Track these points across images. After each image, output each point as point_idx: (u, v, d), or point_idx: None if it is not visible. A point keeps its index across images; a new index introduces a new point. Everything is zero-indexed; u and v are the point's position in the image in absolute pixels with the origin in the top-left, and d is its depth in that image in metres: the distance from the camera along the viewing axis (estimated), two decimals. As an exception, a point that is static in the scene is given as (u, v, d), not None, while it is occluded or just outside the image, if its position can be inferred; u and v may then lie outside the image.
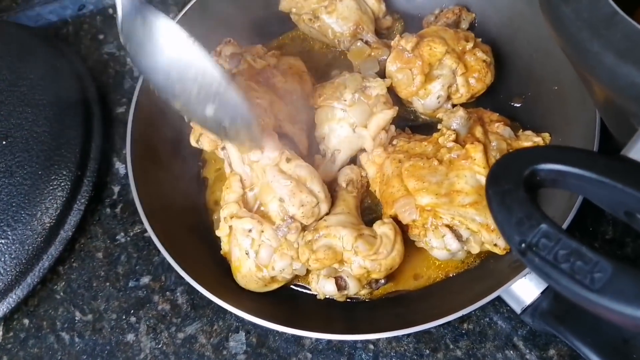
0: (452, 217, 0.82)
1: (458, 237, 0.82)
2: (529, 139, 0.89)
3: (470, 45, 0.96)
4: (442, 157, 0.86)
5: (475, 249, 0.83)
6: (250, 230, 0.83)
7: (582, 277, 0.48)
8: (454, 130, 0.89)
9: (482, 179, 0.83)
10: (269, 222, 0.84)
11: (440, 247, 0.83)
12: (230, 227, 0.85)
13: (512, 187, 0.54)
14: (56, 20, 1.27)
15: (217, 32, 1.02)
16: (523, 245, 0.52)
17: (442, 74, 0.95)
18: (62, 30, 1.25)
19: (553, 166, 0.55)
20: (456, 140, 0.87)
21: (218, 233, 0.87)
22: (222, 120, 0.73)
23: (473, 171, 0.84)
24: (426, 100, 0.97)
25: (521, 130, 0.92)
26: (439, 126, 0.92)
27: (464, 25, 1.05)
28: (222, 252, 0.89)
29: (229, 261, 0.88)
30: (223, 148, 0.91)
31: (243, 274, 0.85)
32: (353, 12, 1.03)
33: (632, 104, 0.58)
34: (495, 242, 0.81)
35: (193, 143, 0.94)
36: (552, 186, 0.56)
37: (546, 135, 0.90)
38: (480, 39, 0.99)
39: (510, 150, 0.87)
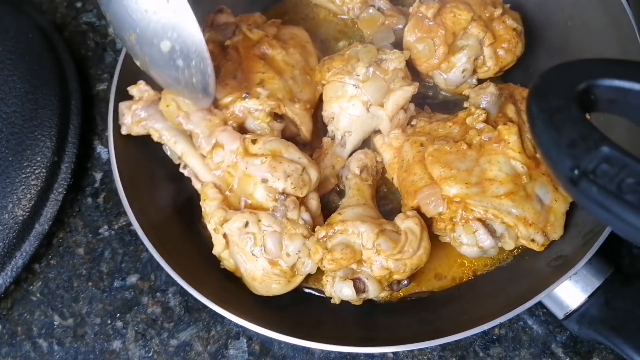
0: (485, 209, 0.76)
1: (491, 232, 0.77)
2: None
3: (499, 11, 0.89)
4: (472, 140, 0.80)
5: (509, 245, 0.78)
6: (246, 225, 0.77)
7: None
8: (484, 109, 0.82)
9: (518, 165, 0.77)
10: (262, 210, 0.79)
11: (472, 243, 0.78)
12: (225, 235, 0.79)
13: (562, 104, 0.47)
14: None
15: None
16: (576, 171, 0.44)
17: (467, 45, 0.89)
18: None
19: (615, 82, 0.47)
20: (486, 121, 0.81)
21: (215, 252, 0.81)
22: (176, 59, 0.73)
23: (507, 156, 0.78)
24: (449, 74, 0.90)
25: None
26: (466, 104, 0.85)
27: None
28: (227, 268, 0.83)
29: (239, 277, 0.82)
30: (185, 167, 0.86)
31: (260, 279, 0.79)
32: None
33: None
34: (532, 237, 0.76)
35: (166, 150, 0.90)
36: (610, 110, 0.49)
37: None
38: (508, 5, 0.92)
39: None
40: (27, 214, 0.92)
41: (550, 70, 0.50)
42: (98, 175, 1.00)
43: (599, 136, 0.44)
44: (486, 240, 0.76)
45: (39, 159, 0.94)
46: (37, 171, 0.94)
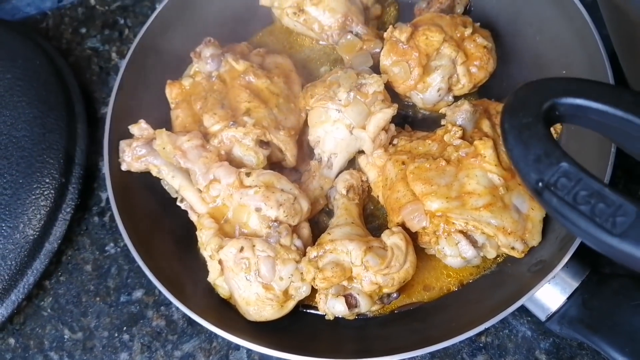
0: (465, 222, 0.78)
1: (473, 243, 0.79)
2: None
3: (469, 30, 0.92)
4: (450, 156, 0.83)
5: (491, 254, 0.80)
6: (242, 250, 0.79)
7: (603, 220, 0.47)
8: (460, 126, 0.85)
9: (495, 178, 0.80)
10: (256, 237, 0.81)
11: (455, 254, 0.80)
12: (220, 262, 0.81)
13: (531, 121, 0.52)
14: (35, 13, 1.22)
15: (197, 29, 1.01)
16: (540, 184, 0.50)
17: (441, 65, 0.91)
18: (41, 23, 1.21)
19: (576, 100, 0.53)
20: (463, 137, 0.83)
21: (210, 279, 0.84)
22: None
23: (484, 170, 0.80)
24: (426, 94, 0.92)
25: None
26: (443, 122, 0.88)
27: (459, 9, 1.01)
28: (221, 295, 0.86)
29: (234, 304, 0.84)
30: (182, 200, 0.89)
31: (254, 304, 0.81)
32: (340, 2, 0.98)
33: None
34: (512, 245, 0.78)
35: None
36: (571, 122, 0.55)
37: (557, 126, 0.86)
38: (478, 24, 0.95)
39: None
40: (38, 233, 0.94)
41: (519, 89, 0.55)
42: (104, 195, 1.02)
43: (560, 153, 0.49)
44: (468, 251, 0.78)
45: (47, 180, 0.96)
46: (46, 192, 0.95)
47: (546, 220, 0.80)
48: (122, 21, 1.18)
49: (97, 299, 0.95)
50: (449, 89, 0.93)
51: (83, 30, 1.19)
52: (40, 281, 0.95)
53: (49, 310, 0.95)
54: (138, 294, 0.94)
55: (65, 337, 0.93)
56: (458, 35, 0.91)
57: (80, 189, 1.00)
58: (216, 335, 0.88)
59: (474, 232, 0.78)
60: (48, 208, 0.96)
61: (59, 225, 0.97)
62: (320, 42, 1.03)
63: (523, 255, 0.79)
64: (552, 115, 0.53)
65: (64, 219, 0.97)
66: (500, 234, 0.78)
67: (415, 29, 0.91)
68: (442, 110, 0.90)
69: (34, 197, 0.95)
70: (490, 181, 0.80)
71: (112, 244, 0.98)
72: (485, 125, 0.85)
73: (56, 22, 1.20)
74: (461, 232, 0.79)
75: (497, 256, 0.82)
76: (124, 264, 0.96)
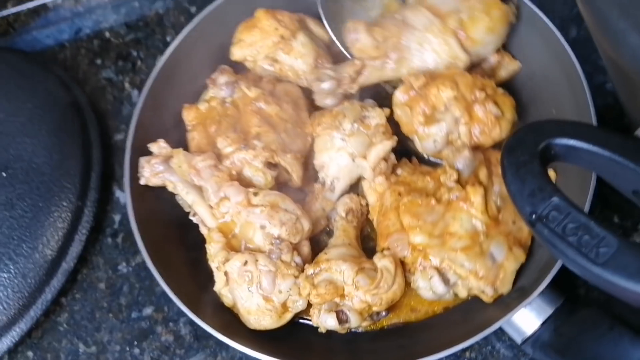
0: (441, 260, 0.82)
1: (445, 281, 0.82)
2: None
3: (482, 95, 0.90)
4: (442, 196, 0.86)
5: (462, 293, 0.84)
6: (245, 263, 0.84)
7: (588, 250, 0.51)
8: (457, 170, 0.88)
9: (478, 224, 0.83)
10: (259, 252, 0.86)
11: (427, 288, 0.83)
12: (226, 273, 0.86)
13: (527, 159, 0.57)
14: (53, 45, 1.27)
15: (214, 58, 1.06)
16: (534, 216, 0.54)
17: (444, 120, 0.91)
18: (59, 54, 1.25)
19: (568, 141, 0.58)
20: (458, 181, 0.87)
21: (216, 288, 0.88)
22: None
23: (470, 215, 0.83)
24: (423, 142, 0.94)
25: None
26: (444, 162, 0.91)
27: (504, 73, 1.00)
28: (225, 304, 0.90)
29: (237, 313, 0.88)
30: (194, 214, 0.93)
31: (254, 313, 0.85)
32: (309, 47, 1.02)
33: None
34: (482, 289, 0.81)
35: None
36: (565, 160, 0.60)
37: (551, 172, 0.88)
38: (501, 90, 0.95)
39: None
40: (55, 253, 0.97)
41: (518, 130, 0.62)
42: (117, 217, 1.06)
43: (552, 188, 0.55)
44: (439, 287, 0.82)
45: (64, 204, 1.00)
46: (63, 215, 0.99)
47: (529, 256, 0.85)
48: (134, 53, 1.23)
49: (110, 315, 0.98)
50: (449, 143, 0.93)
51: (98, 62, 1.23)
52: (57, 298, 0.97)
53: (65, 326, 0.98)
54: (148, 310, 0.97)
55: (80, 350, 0.95)
56: (472, 97, 0.90)
57: (95, 212, 1.03)
58: (220, 350, 0.92)
59: (448, 270, 0.82)
60: (65, 230, 0.98)
61: (75, 246, 0.99)
62: (299, 84, 1.05)
63: (492, 300, 0.82)
64: (547, 154, 0.58)
65: (79, 240, 1.00)
66: (472, 277, 0.81)
67: (431, 80, 0.92)
68: (445, 152, 0.93)
69: (52, 219, 0.98)
70: (474, 226, 0.83)
71: (124, 264, 1.01)
72: (482, 174, 0.88)
73: (73, 54, 1.24)
74: (436, 268, 0.82)
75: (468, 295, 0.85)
76: (135, 283, 1.00)
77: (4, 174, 1.01)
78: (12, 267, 0.95)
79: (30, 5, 1.28)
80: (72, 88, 1.16)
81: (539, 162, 0.57)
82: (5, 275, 0.94)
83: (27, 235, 0.97)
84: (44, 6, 1.29)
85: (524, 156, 0.58)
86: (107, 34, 1.26)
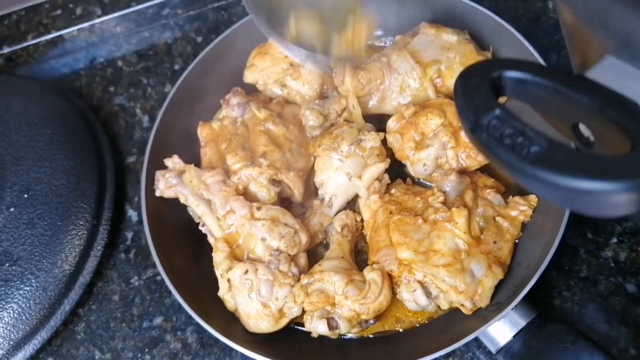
0: (424, 274, 0.86)
1: (427, 294, 0.88)
2: (516, 207, 0.93)
3: None
4: (428, 216, 0.91)
5: (444, 305, 0.89)
6: (246, 272, 0.90)
7: (520, 150, 0.53)
8: (444, 192, 0.94)
9: (460, 243, 0.87)
10: (259, 262, 0.92)
11: (410, 300, 0.88)
12: (229, 280, 0.92)
13: (478, 82, 0.59)
14: (69, 73, 1.33)
15: (225, 81, 1.12)
16: (475, 124, 0.56)
17: (432, 145, 0.98)
18: (75, 82, 1.32)
19: (518, 74, 0.60)
20: (445, 202, 0.91)
21: (220, 293, 0.94)
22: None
23: (453, 234, 0.88)
24: (414, 167, 1.01)
25: (511, 196, 0.96)
26: (433, 185, 0.97)
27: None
28: (228, 309, 0.95)
29: (238, 317, 0.94)
30: (203, 225, 0.99)
31: (254, 318, 0.91)
32: (315, 74, 1.09)
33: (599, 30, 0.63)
34: (462, 302, 0.86)
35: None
36: (513, 95, 0.61)
37: (532, 197, 0.95)
38: None
39: (496, 217, 0.93)
40: (73, 268, 1.02)
41: (476, 63, 0.64)
42: (129, 235, 1.11)
43: (494, 104, 0.56)
44: (421, 300, 0.87)
45: (81, 223, 1.05)
46: (80, 233, 1.04)
47: (508, 273, 0.89)
48: (145, 80, 1.30)
49: (123, 324, 1.02)
50: (439, 167, 1.00)
51: (112, 89, 1.30)
52: (74, 309, 1.02)
53: (82, 334, 1.02)
54: (158, 320, 1.02)
55: (96, 357, 1.00)
56: (459, 123, 0.95)
57: (109, 229, 1.08)
58: (224, 356, 0.98)
59: (430, 285, 0.87)
60: (82, 247, 1.04)
61: (91, 261, 1.04)
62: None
63: (471, 312, 0.87)
64: (498, 85, 0.60)
65: (95, 256, 1.05)
66: (452, 292, 0.85)
67: (420, 109, 0.99)
68: (434, 175, 1.00)
69: (70, 237, 1.04)
70: (456, 245, 0.87)
71: (136, 277, 1.07)
72: (468, 196, 0.93)
73: (88, 81, 1.32)
74: (419, 282, 0.87)
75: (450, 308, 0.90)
76: (146, 295, 1.05)
77: (25, 195, 1.07)
78: (33, 281, 1.01)
79: (48, 36, 1.36)
80: (87, 114, 1.22)
81: (488, 86, 0.58)
82: (28, 288, 1.00)
83: (47, 252, 1.02)
84: (60, 37, 1.37)
85: (475, 80, 0.59)
86: (120, 63, 1.33)
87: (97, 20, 1.36)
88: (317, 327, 0.89)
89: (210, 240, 0.98)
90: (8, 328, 0.98)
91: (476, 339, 0.89)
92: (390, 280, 0.91)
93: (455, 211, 0.89)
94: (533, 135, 0.53)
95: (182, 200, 1.00)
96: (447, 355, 0.93)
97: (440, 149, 0.98)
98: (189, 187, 0.99)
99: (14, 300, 0.99)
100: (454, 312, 0.91)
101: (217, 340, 0.90)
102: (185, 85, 1.12)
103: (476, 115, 0.56)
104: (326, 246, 1.02)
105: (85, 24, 1.36)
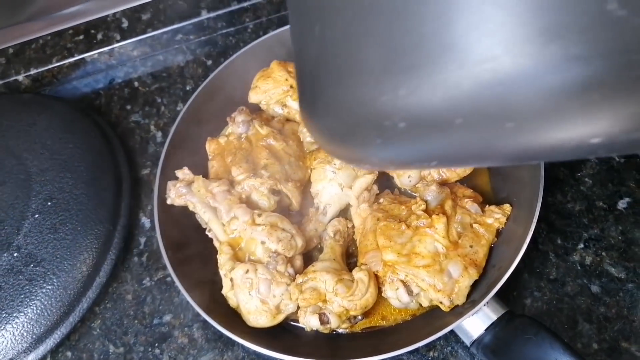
0: (406, 274, 0.90)
1: (409, 292, 0.93)
2: (491, 215, 0.99)
3: None
4: (411, 222, 0.97)
5: (425, 303, 0.95)
6: (247, 272, 0.96)
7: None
8: (425, 200, 1.00)
9: (439, 246, 0.93)
10: (259, 263, 0.98)
11: (394, 297, 0.94)
12: (231, 280, 0.98)
13: None
14: (90, 92, 1.40)
15: (231, 101, 1.19)
16: None
17: None
18: (95, 101, 1.38)
19: None
20: (426, 210, 0.96)
21: (224, 292, 1.00)
22: None
23: (433, 239, 0.92)
24: (400, 178, 1.08)
25: (487, 205, 1.01)
26: (416, 194, 1.04)
27: None
28: (231, 305, 1.00)
29: (239, 312, 0.99)
30: (209, 230, 1.04)
31: (253, 312, 0.97)
32: None
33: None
34: (440, 300, 0.91)
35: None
36: None
37: (507, 206, 1.01)
38: None
39: (473, 224, 0.98)
40: (91, 269, 1.07)
41: None
42: (142, 240, 1.16)
43: None
44: (404, 297, 0.92)
45: (99, 228, 1.11)
46: (98, 238, 1.09)
47: (482, 275, 0.94)
48: (159, 100, 1.36)
49: (136, 321, 1.07)
50: (422, 179, 1.05)
51: (128, 107, 1.34)
52: (91, 307, 1.07)
53: (98, 330, 1.07)
54: (167, 317, 1.06)
55: (110, 351, 1.04)
56: None
57: (124, 235, 1.13)
58: (226, 350, 1.02)
59: (411, 283, 0.91)
60: (99, 250, 1.09)
61: (107, 264, 1.10)
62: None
63: (449, 309, 0.90)
64: None
65: (111, 259, 1.10)
66: (432, 290, 0.89)
67: None
68: (418, 186, 1.06)
69: (88, 241, 1.09)
70: (436, 248, 0.91)
71: (147, 279, 1.11)
72: (447, 205, 0.98)
73: (107, 100, 1.37)
74: (402, 281, 0.91)
75: (430, 305, 0.95)
76: (156, 294, 1.09)
77: (49, 203, 1.15)
78: (55, 280, 1.06)
79: (71, 59, 1.43)
80: (106, 130, 1.29)
81: None
82: (50, 287, 1.06)
83: (68, 254, 1.07)
84: (83, 60, 1.44)
85: None
86: (136, 83, 1.40)
87: (116, 45, 1.41)
88: (310, 321, 0.95)
89: (216, 244, 1.04)
90: (32, 323, 1.03)
91: (454, 334, 0.96)
92: (377, 280, 0.97)
93: (435, 218, 0.95)
94: None
95: (190, 208, 1.06)
96: (429, 348, 1.00)
97: None
98: (197, 196, 1.04)
99: (38, 298, 1.05)
100: (435, 310, 0.97)
101: (220, 335, 0.96)
102: (195, 104, 1.18)
103: None
104: (320, 250, 1.05)
105: (105, 48, 1.41)
